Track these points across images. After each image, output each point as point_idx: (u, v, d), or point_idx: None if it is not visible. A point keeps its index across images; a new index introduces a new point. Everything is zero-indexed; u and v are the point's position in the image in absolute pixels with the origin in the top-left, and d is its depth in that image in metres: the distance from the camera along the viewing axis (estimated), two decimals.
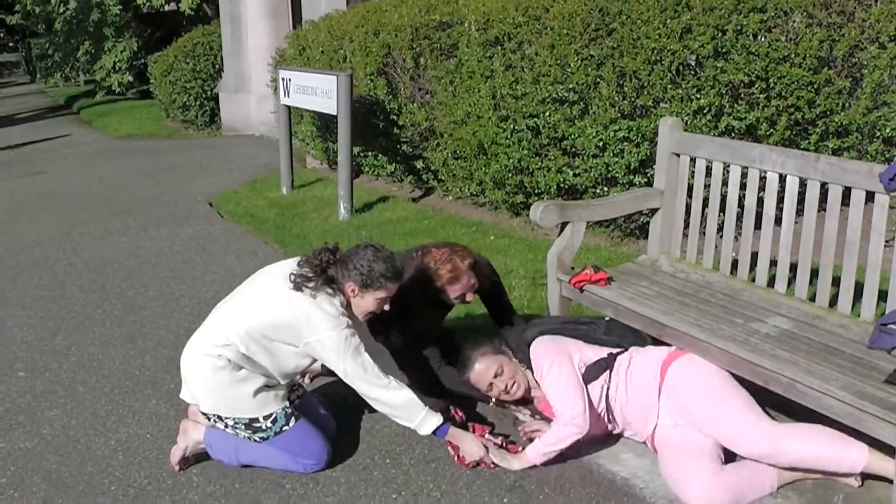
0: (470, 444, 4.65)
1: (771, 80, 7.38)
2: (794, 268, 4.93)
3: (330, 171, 12.65)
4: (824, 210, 4.73)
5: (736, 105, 7.41)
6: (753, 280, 5.18)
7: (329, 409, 5.13)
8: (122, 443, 5.20)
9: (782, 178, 4.94)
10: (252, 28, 17.47)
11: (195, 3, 21.62)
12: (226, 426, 4.73)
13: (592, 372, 4.71)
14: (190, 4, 21.56)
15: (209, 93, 18.77)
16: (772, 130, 7.48)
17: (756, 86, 7.37)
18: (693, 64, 7.43)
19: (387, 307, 4.70)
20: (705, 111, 7.36)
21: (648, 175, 7.43)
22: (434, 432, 4.60)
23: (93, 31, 24.74)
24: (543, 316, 5.65)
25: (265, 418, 4.68)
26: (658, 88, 7.40)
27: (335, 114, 9.93)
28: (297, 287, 4.56)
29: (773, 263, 5.06)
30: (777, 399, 4.36)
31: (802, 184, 4.84)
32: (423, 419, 4.59)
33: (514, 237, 8.60)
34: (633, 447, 4.73)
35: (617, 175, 7.61)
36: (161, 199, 12.24)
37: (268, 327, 4.55)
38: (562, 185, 8.04)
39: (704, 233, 5.51)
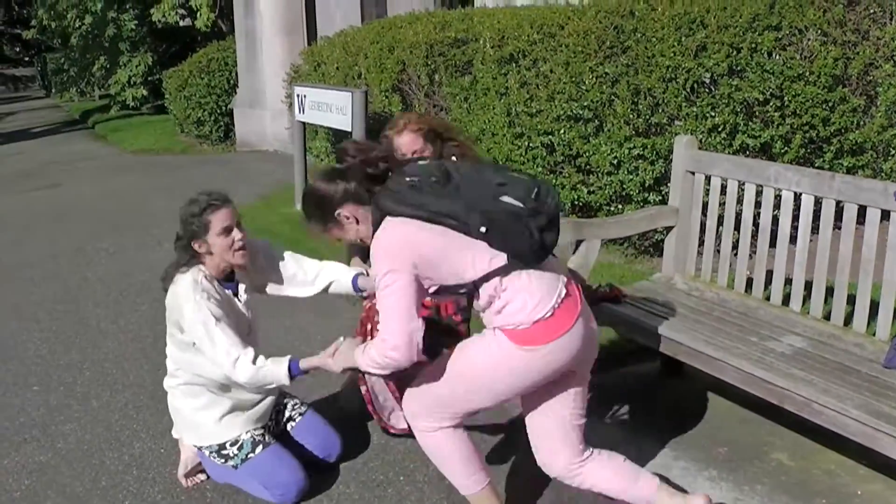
0: (330, 362, 4.22)
1: (786, 98, 7.39)
2: (809, 286, 4.92)
3: None
4: (839, 228, 4.73)
5: (750, 123, 7.41)
6: (768, 298, 5.17)
7: (339, 425, 5.09)
8: (136, 458, 5.21)
9: (797, 197, 4.94)
10: (267, 44, 17.51)
11: (210, 18, 21.66)
12: (206, 454, 4.77)
13: (446, 293, 3.87)
14: (205, 20, 21.60)
15: (224, 108, 18.80)
16: (786, 148, 7.47)
17: (771, 104, 7.38)
18: (708, 82, 7.44)
19: (239, 236, 4.46)
20: (720, 129, 7.36)
21: (663, 193, 7.43)
22: (292, 375, 4.34)
23: (108, 45, 24.80)
24: None
25: (231, 445, 4.69)
26: (673, 106, 7.41)
27: (350, 130, 9.94)
28: (170, 277, 4.56)
29: (788, 282, 5.06)
30: (792, 418, 4.35)
31: (817, 202, 4.83)
32: (279, 375, 4.34)
33: None
34: (648, 465, 4.70)
35: (631, 192, 7.61)
36: (175, 213, 12.21)
37: (173, 330, 4.58)
38: (576, 203, 8.04)
39: (719, 251, 5.50)
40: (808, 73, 7.40)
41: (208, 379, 4.59)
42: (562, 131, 7.93)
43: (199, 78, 18.87)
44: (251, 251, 4.61)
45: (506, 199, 3.62)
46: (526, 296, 3.65)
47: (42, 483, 5.04)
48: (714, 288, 5.44)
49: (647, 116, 7.50)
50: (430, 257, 3.66)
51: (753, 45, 7.33)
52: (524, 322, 3.64)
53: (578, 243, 5.37)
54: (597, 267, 6.42)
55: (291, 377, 4.32)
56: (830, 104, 7.49)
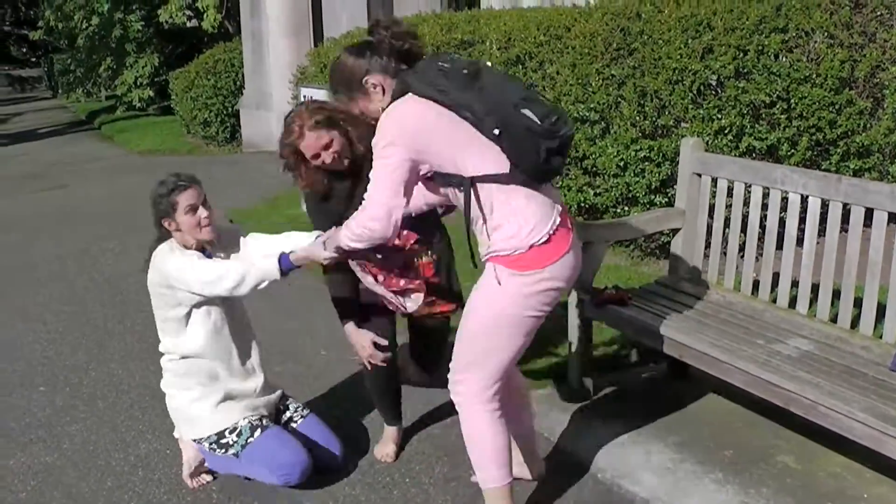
0: (317, 251, 4.26)
1: (792, 101, 7.38)
2: (815, 289, 4.91)
3: None
4: (846, 231, 4.72)
5: (757, 125, 7.41)
6: (775, 301, 5.17)
7: (345, 427, 5.10)
8: (142, 458, 5.21)
9: (804, 199, 4.93)
10: (273, 45, 17.52)
11: (217, 20, 21.70)
12: (207, 447, 4.80)
13: (441, 182, 3.88)
14: (212, 21, 21.63)
15: (230, 109, 18.81)
16: (793, 151, 7.47)
17: (777, 106, 7.37)
18: (714, 84, 7.44)
19: (204, 214, 4.60)
20: (726, 131, 7.36)
21: (669, 195, 7.43)
22: (284, 272, 4.33)
23: (115, 46, 24.83)
24: (565, 342, 5.64)
25: (230, 432, 4.72)
26: (679, 108, 7.40)
27: None
28: (150, 258, 4.71)
29: (795, 284, 5.05)
30: (798, 421, 4.35)
31: (824, 205, 4.82)
32: (270, 270, 4.35)
33: None
34: (654, 468, 4.71)
35: (638, 195, 7.61)
36: None
37: (160, 304, 4.72)
38: (582, 205, 8.04)
39: (725, 253, 5.50)
40: (814, 76, 7.40)
41: (200, 365, 4.70)
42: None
43: (205, 79, 18.89)
44: (220, 233, 4.79)
45: (525, 111, 3.66)
46: (521, 220, 3.71)
47: (48, 484, 5.05)
48: (720, 290, 5.43)
49: (654, 118, 7.50)
50: (438, 140, 3.71)
51: (760, 48, 7.33)
52: (520, 247, 3.71)
53: (585, 245, 5.36)
54: (602, 268, 6.42)
55: (283, 272, 4.33)
56: (837, 107, 7.48)
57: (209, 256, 4.70)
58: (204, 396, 4.74)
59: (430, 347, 5.09)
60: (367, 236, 3.83)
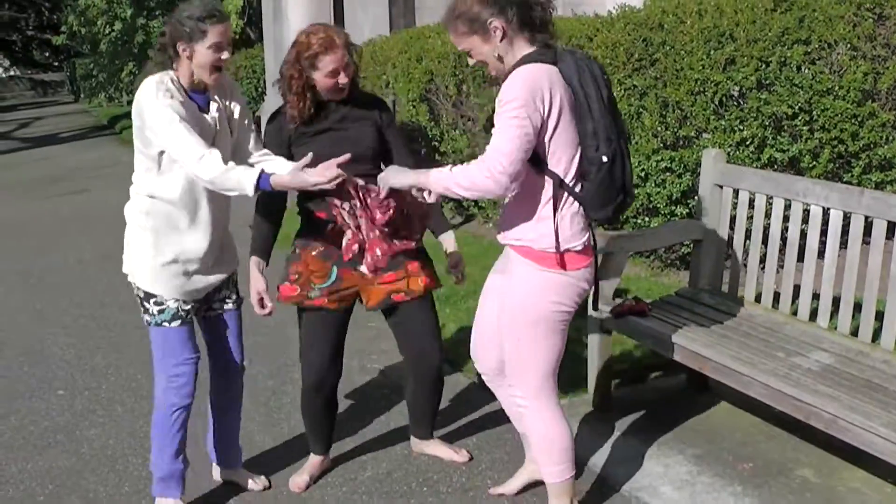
0: (305, 176, 4.14)
1: (814, 113, 7.36)
2: (836, 302, 4.89)
3: None
4: (868, 244, 4.70)
5: (779, 137, 7.39)
6: (795, 314, 5.14)
7: (365, 433, 5.04)
8: None
9: (826, 212, 4.91)
10: None
11: (239, 26, 21.75)
12: (134, 293, 4.55)
13: (565, 150, 3.90)
14: (234, 28, 21.67)
15: (252, 115, 18.82)
16: (815, 163, 7.45)
17: (799, 118, 7.35)
18: (736, 95, 7.42)
19: (225, 55, 4.24)
20: (748, 143, 7.34)
21: (690, 206, 7.41)
22: (260, 188, 4.12)
23: (137, 52, 24.93)
24: (584, 353, 5.63)
25: (156, 303, 4.45)
26: (701, 119, 7.39)
27: None
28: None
29: (816, 297, 5.03)
30: (818, 435, 4.33)
31: (846, 217, 4.81)
32: (245, 183, 4.11)
33: None
34: (672, 480, 4.70)
35: (659, 205, 7.59)
36: None
37: (138, 143, 4.39)
38: None
39: (746, 265, 5.48)
40: (837, 88, 7.38)
41: (162, 209, 4.38)
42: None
43: None
44: (230, 88, 4.55)
45: (627, 164, 3.96)
46: (566, 225, 3.90)
47: (66, 488, 5.06)
48: (741, 302, 5.41)
49: (675, 129, 7.49)
50: (554, 120, 3.78)
51: (782, 59, 7.31)
52: (557, 247, 3.89)
53: (605, 256, 5.35)
54: (623, 279, 6.40)
55: (256, 189, 4.11)
56: (859, 119, 7.46)
57: (206, 101, 4.37)
58: (155, 247, 4.40)
59: (408, 336, 4.89)
60: (492, 188, 3.77)
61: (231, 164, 4.17)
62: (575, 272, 3.96)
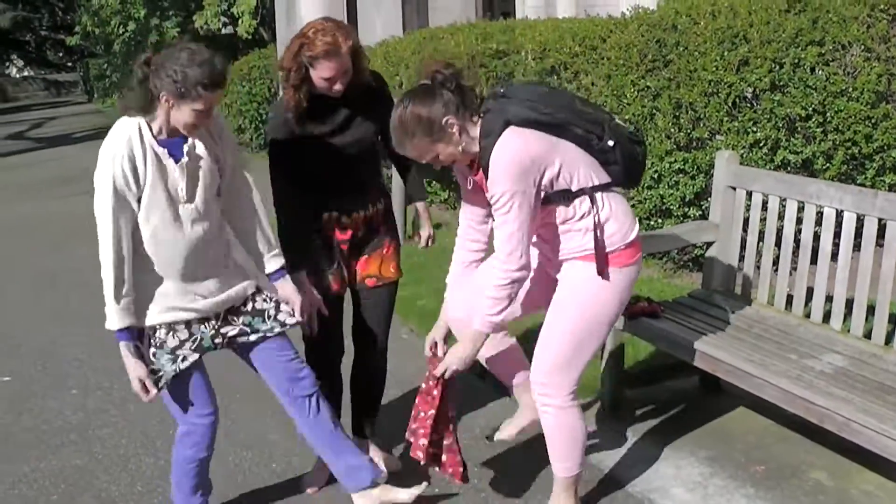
0: (130, 370, 4.06)
1: (828, 114, 7.35)
2: (849, 304, 4.88)
3: None
4: (881, 246, 4.69)
5: (792, 139, 7.38)
6: (808, 316, 5.13)
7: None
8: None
9: (839, 214, 4.90)
10: None
11: (252, 26, 21.76)
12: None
13: (557, 199, 4.00)
14: (247, 28, 21.70)
15: (264, 116, 18.83)
16: (828, 165, 7.43)
17: (813, 119, 7.34)
18: (749, 96, 7.41)
19: (206, 122, 4.02)
20: (761, 144, 7.33)
21: (703, 207, 7.40)
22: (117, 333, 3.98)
23: (151, 52, 24.98)
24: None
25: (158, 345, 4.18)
26: (714, 121, 7.38)
27: None
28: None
29: (829, 299, 5.01)
30: (831, 437, 4.32)
31: (860, 220, 4.79)
32: (108, 311, 3.99)
33: None
34: (685, 482, 4.70)
35: (672, 207, 7.58)
36: None
37: None
38: None
39: (759, 267, 5.47)
40: (850, 89, 7.36)
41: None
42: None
43: (239, 85, 18.93)
44: (218, 128, 4.24)
45: (619, 122, 4.12)
46: (616, 223, 4.05)
47: (78, 487, 5.08)
48: (754, 304, 5.40)
49: (689, 131, 7.48)
50: (556, 165, 3.91)
51: (796, 61, 7.30)
52: (620, 244, 4.05)
53: None
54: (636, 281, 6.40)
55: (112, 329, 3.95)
56: (873, 121, 7.44)
57: (176, 153, 4.01)
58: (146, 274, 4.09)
59: (367, 320, 4.89)
60: (519, 281, 3.96)
61: (125, 300, 4.01)
62: (636, 264, 4.17)
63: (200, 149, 4.10)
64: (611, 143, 4.01)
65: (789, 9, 7.49)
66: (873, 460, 4.23)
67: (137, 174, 3.91)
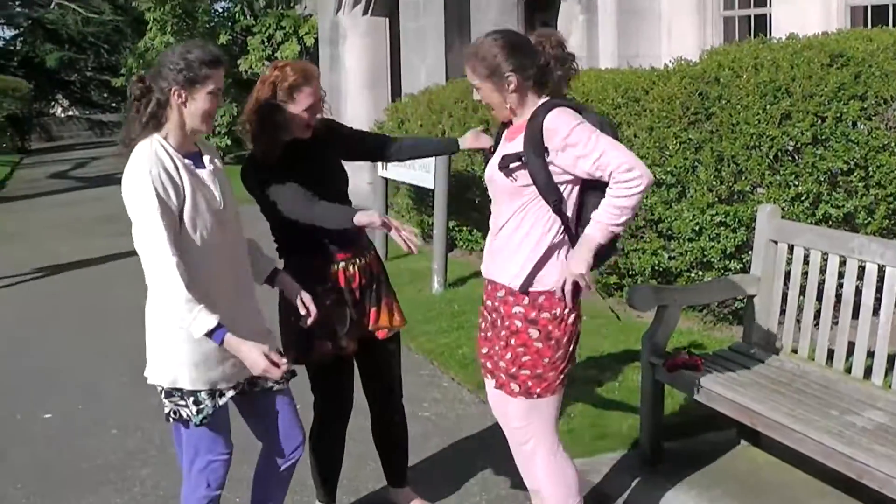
0: (248, 354, 3.85)
1: (870, 169, 7.34)
2: (891, 360, 4.88)
3: (424, 244, 12.70)
4: None
5: (834, 193, 7.37)
6: (849, 371, 5.12)
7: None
8: None
9: (881, 269, 4.90)
10: (350, 98, 17.69)
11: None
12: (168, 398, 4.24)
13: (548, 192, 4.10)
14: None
15: None
16: (870, 219, 7.42)
17: (855, 174, 7.34)
18: (791, 150, 7.42)
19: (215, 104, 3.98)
20: (803, 198, 7.33)
21: (744, 260, 7.39)
22: (210, 335, 3.79)
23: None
24: (636, 406, 5.62)
25: (206, 396, 4.11)
26: (756, 174, 7.39)
27: (432, 188, 10.00)
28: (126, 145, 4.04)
29: (870, 354, 5.01)
30: (872, 494, 4.30)
31: None
32: (195, 319, 3.78)
33: (606, 317, 8.55)
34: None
35: (712, 259, 7.58)
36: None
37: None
38: (657, 268, 8.02)
39: (800, 321, 5.46)
40: (893, 144, 7.36)
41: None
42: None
43: None
44: (211, 150, 4.25)
45: None
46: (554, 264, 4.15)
47: None
48: (794, 359, 5.40)
49: (730, 183, 7.49)
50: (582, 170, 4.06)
51: (838, 115, 7.31)
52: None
53: (659, 309, 5.35)
54: (675, 333, 6.40)
55: (201, 334, 3.80)
56: None
57: (200, 155, 4.10)
58: (191, 340, 3.96)
59: (382, 373, 4.93)
60: (645, 189, 4.12)
61: (195, 304, 3.79)
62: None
63: (215, 157, 4.20)
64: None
65: (832, 63, 7.50)
66: None
67: (176, 185, 3.92)
